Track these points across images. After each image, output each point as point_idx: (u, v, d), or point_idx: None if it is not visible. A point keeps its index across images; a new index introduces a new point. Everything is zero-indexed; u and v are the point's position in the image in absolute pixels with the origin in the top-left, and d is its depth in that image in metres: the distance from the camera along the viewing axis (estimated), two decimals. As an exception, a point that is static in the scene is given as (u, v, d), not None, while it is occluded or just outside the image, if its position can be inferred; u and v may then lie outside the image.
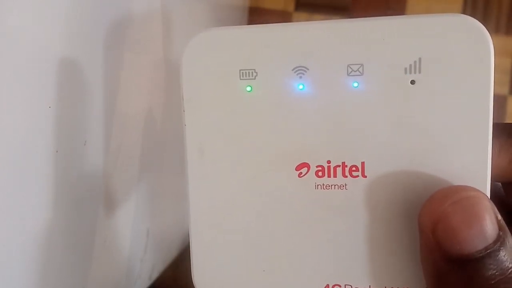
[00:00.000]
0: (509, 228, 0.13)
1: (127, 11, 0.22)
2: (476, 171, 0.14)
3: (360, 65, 0.14)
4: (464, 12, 0.61)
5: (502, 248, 0.13)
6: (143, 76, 0.26)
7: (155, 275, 0.33)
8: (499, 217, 0.13)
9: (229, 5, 0.51)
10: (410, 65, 0.14)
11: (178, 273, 0.36)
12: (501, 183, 0.17)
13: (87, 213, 0.22)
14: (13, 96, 0.15)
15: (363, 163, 0.15)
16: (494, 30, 0.61)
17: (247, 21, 0.63)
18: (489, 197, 0.14)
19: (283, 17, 0.64)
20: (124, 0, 0.22)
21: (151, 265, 0.32)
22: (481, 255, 0.12)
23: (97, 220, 0.23)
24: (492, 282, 0.12)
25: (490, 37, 0.13)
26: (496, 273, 0.12)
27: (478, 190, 0.13)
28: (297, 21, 0.65)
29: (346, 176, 0.15)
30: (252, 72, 0.15)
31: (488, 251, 0.12)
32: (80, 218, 0.21)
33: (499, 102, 0.63)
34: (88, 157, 0.21)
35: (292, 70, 0.15)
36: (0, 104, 0.15)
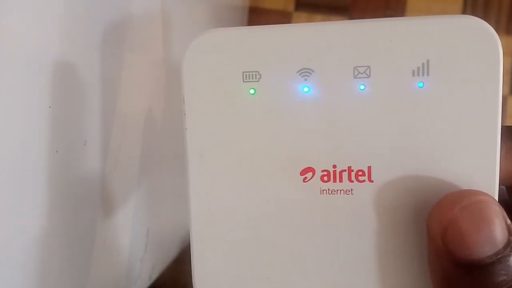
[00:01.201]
0: None
1: (127, 11, 0.22)
2: (485, 175, 0.14)
3: (367, 67, 0.14)
4: (464, 11, 0.61)
5: None
6: (143, 76, 0.26)
7: (155, 275, 0.33)
8: (509, 221, 0.13)
9: (229, 5, 0.51)
10: (418, 68, 0.14)
11: (178, 273, 0.36)
12: (505, 187, 0.17)
13: (87, 213, 0.22)
14: (13, 96, 0.15)
15: (369, 168, 0.14)
16: (494, 30, 0.61)
17: (247, 21, 0.63)
18: (497, 201, 0.14)
19: (283, 17, 0.64)
20: (124, 0, 0.22)
21: (151, 265, 0.32)
22: (491, 260, 0.12)
23: (97, 220, 0.23)
24: None
25: (498, 38, 0.13)
26: (507, 279, 0.12)
27: (487, 194, 0.13)
28: (297, 21, 0.65)
29: (352, 181, 0.14)
30: (255, 74, 0.14)
31: (498, 256, 0.12)
32: (80, 218, 0.21)
33: (499, 102, 0.63)
34: (88, 157, 0.21)
35: (297, 72, 0.14)
36: (0, 104, 0.15)
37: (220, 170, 0.15)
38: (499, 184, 0.16)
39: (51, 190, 0.18)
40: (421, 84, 0.14)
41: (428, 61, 0.14)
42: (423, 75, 0.14)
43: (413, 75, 0.14)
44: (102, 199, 0.23)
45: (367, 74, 0.14)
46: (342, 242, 0.15)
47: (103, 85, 0.21)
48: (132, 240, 0.28)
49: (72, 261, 0.21)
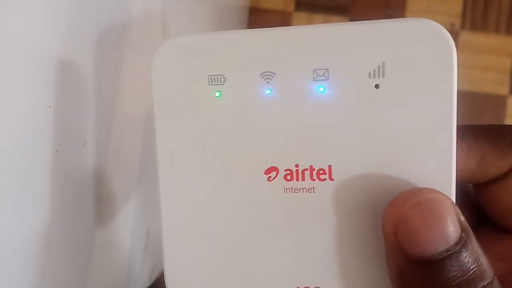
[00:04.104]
0: (480, 229, 0.13)
1: (128, 11, 0.22)
2: (440, 173, 0.14)
3: (325, 70, 0.14)
4: (464, 12, 0.61)
5: (463, 249, 0.13)
6: (143, 76, 0.26)
7: (155, 275, 0.33)
8: (462, 218, 0.13)
9: (229, 5, 0.51)
10: (374, 70, 0.14)
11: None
12: (472, 184, 0.17)
13: (87, 213, 0.22)
14: (13, 96, 0.15)
15: (330, 167, 0.15)
16: (494, 29, 0.61)
17: (247, 21, 0.63)
18: (453, 199, 0.14)
19: (283, 17, 0.64)
20: (124, 0, 0.22)
21: (151, 265, 0.32)
22: (441, 256, 0.12)
23: (97, 220, 0.23)
24: (453, 283, 0.12)
25: (452, 41, 0.14)
26: (457, 275, 0.12)
27: (438, 192, 0.13)
28: (297, 21, 0.66)
29: (314, 180, 0.15)
30: (220, 78, 0.15)
31: (449, 252, 0.12)
32: (80, 218, 0.21)
33: (499, 102, 0.63)
34: (88, 157, 0.21)
35: (260, 75, 0.15)
36: (0, 104, 0.15)
37: (189, 170, 0.16)
38: (465, 182, 0.16)
39: (50, 190, 0.18)
40: (377, 86, 0.14)
41: (383, 63, 0.14)
42: (379, 77, 0.14)
43: (370, 77, 0.14)
44: (102, 199, 0.23)
45: (325, 77, 0.14)
46: (305, 239, 0.15)
47: (103, 85, 0.21)
48: (132, 240, 0.28)
49: (72, 261, 0.21)
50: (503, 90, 0.63)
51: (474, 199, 0.17)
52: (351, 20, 0.64)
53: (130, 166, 0.26)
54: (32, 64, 0.16)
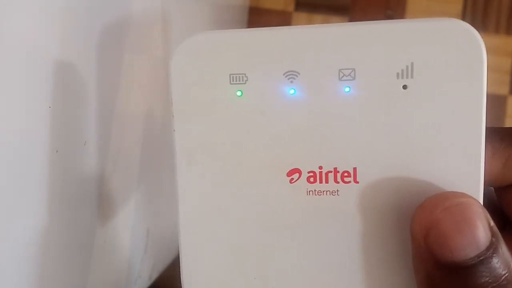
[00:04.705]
0: (502, 233, 0.13)
1: (127, 11, 0.22)
2: (469, 177, 0.14)
3: (352, 70, 0.14)
4: (464, 12, 0.61)
5: (495, 255, 0.12)
6: (143, 76, 0.26)
7: (155, 275, 0.33)
8: (492, 223, 0.13)
9: (229, 5, 0.51)
10: (402, 70, 0.14)
11: (178, 273, 0.36)
12: (494, 188, 0.17)
13: (87, 213, 0.22)
14: (13, 96, 0.15)
15: (355, 169, 0.14)
16: (494, 30, 0.61)
17: (247, 21, 0.63)
18: (482, 203, 0.14)
19: (283, 17, 0.64)
20: (124, 0, 0.22)
21: (151, 265, 0.32)
22: (473, 262, 0.12)
23: (97, 220, 0.23)
24: None
25: (482, 42, 0.13)
26: (489, 281, 0.12)
27: (469, 196, 0.13)
28: (297, 21, 0.65)
29: (338, 182, 0.15)
30: (242, 77, 0.15)
31: (480, 258, 0.12)
32: (80, 218, 0.21)
33: (499, 102, 0.63)
34: (88, 157, 0.21)
35: (283, 74, 0.14)
36: (0, 104, 0.15)
37: (208, 171, 0.15)
38: (487, 185, 0.16)
39: (51, 190, 0.18)
40: (405, 86, 0.14)
41: (412, 63, 0.14)
42: (407, 77, 0.14)
43: (398, 77, 0.14)
44: (102, 199, 0.23)
45: (352, 77, 0.14)
46: (328, 242, 0.15)
47: (103, 85, 0.21)
48: (132, 240, 0.28)
49: (72, 261, 0.21)
50: (503, 90, 0.63)
51: (496, 203, 0.17)
52: (351, 20, 0.64)
53: (130, 166, 0.26)
54: (31, 64, 0.16)
